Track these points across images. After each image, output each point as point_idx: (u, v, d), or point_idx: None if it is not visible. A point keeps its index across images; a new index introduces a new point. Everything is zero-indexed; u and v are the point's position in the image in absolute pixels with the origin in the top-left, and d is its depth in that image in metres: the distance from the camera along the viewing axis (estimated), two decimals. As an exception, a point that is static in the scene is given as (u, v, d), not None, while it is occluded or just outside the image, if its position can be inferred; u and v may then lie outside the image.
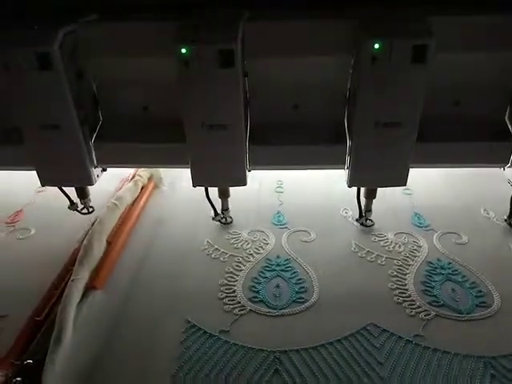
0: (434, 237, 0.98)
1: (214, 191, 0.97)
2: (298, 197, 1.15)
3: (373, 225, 1.02)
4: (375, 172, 0.86)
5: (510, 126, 0.86)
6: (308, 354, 0.70)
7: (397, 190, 1.14)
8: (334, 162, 0.88)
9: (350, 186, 0.89)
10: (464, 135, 0.87)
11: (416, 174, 1.16)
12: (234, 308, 0.80)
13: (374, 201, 0.99)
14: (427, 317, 0.77)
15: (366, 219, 1.01)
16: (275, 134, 0.88)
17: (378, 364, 0.69)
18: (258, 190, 1.18)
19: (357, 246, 0.96)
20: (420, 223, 1.03)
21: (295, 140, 0.88)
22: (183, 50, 0.72)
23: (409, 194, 1.14)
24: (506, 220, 1.00)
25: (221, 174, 0.87)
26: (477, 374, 0.67)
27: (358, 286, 0.85)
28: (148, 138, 0.88)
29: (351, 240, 0.97)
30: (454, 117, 0.88)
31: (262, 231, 1.01)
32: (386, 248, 0.95)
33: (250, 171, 0.93)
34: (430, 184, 1.18)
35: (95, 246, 0.90)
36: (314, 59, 0.82)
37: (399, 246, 0.95)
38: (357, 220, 1.02)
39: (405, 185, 0.88)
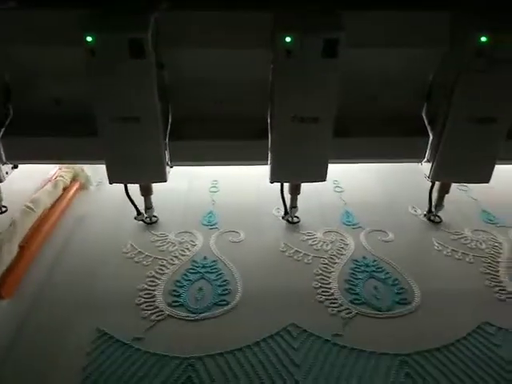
0: (362, 234, 0.98)
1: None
2: (233, 196, 1.13)
3: (298, 222, 1.01)
4: (295, 167, 0.85)
5: (426, 121, 0.87)
6: (223, 359, 0.68)
7: (329, 188, 1.15)
8: (257, 158, 0.86)
9: (271, 182, 0.88)
10: (382, 131, 0.89)
11: (347, 171, 1.20)
12: (151, 314, 0.76)
13: (306, 199, 0.98)
14: (348, 315, 0.76)
15: (292, 216, 1.00)
16: (197, 128, 0.86)
17: (294, 366, 0.67)
18: (191, 189, 1.15)
19: (285, 245, 0.94)
20: (349, 221, 1.03)
21: (217, 135, 0.86)
22: (89, 39, 0.68)
23: (340, 192, 1.14)
24: (425, 215, 1.02)
25: (137, 169, 0.83)
26: (391, 372, 0.66)
27: (283, 286, 0.83)
28: (60, 133, 0.82)
29: (280, 239, 0.96)
30: (372, 112, 0.89)
31: (190, 232, 0.98)
32: (314, 247, 0.94)
33: (171, 167, 0.90)
34: (361, 181, 1.19)
35: (4, 252, 0.83)
36: (233, 52, 0.80)
37: (327, 245, 0.94)
38: (282, 217, 1.01)
39: (324, 180, 0.88)
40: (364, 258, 0.91)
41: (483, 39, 0.74)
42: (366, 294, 0.81)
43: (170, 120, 0.84)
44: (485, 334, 0.73)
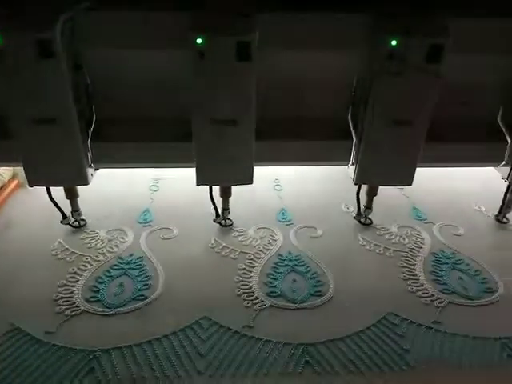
0: (292, 231, 1.00)
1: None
2: (172, 195, 1.14)
3: (231, 224, 1.02)
4: (219, 170, 0.87)
5: (351, 125, 0.89)
6: (129, 352, 0.70)
7: (269, 187, 1.17)
8: (182, 161, 0.89)
9: (197, 185, 0.90)
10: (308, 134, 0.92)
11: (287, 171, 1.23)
12: (66, 309, 0.77)
13: (244, 197, 1.00)
14: (261, 307, 0.79)
15: (225, 219, 1.01)
16: (119, 130, 0.87)
17: (199, 356, 0.69)
18: (131, 188, 1.16)
19: (216, 241, 0.96)
20: (283, 218, 1.05)
21: (140, 137, 0.88)
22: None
23: (279, 190, 1.17)
24: (354, 217, 1.04)
25: (56, 172, 0.84)
26: (292, 360, 0.69)
27: (204, 281, 0.85)
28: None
29: (212, 236, 0.98)
30: (299, 115, 0.92)
31: (122, 229, 0.99)
32: (244, 243, 0.96)
33: (97, 169, 0.91)
34: (300, 180, 1.22)
35: None
36: (150, 53, 0.82)
37: (256, 241, 0.97)
38: (214, 220, 1.00)
39: (250, 183, 0.90)
40: (289, 253, 0.93)
41: (393, 42, 0.77)
42: (284, 287, 0.83)
43: (93, 121, 0.84)
44: (389, 325, 0.76)
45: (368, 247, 0.96)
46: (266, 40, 0.76)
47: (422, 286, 0.85)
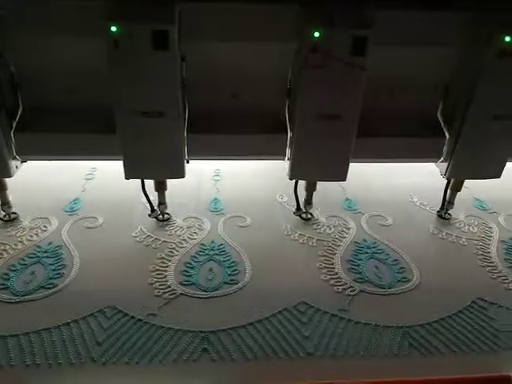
0: (220, 222, 1.00)
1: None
2: (106, 185, 1.12)
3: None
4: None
5: (287, 119, 0.88)
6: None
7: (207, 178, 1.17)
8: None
9: (127, 178, 0.89)
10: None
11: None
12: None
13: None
14: (171, 296, 0.79)
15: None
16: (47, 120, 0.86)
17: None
18: (63, 178, 1.14)
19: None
20: (215, 208, 1.05)
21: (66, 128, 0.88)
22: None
23: (217, 180, 1.17)
24: (294, 213, 1.02)
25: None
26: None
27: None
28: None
29: (138, 226, 0.97)
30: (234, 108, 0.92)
31: (46, 218, 0.98)
32: (168, 232, 0.96)
33: (24, 161, 0.91)
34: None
35: None
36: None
37: (182, 230, 0.96)
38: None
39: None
40: (212, 241, 0.93)
41: (316, 34, 0.76)
42: (200, 276, 0.83)
43: (18, 112, 0.84)
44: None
45: (292, 236, 0.96)
46: (194, 31, 0.76)
47: (336, 274, 0.85)
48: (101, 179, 1.15)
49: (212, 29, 0.81)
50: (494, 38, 0.79)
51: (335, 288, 0.82)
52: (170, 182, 0.96)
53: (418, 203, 1.09)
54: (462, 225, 1.02)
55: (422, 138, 0.94)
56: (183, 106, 0.83)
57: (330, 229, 0.99)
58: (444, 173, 0.94)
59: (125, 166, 0.87)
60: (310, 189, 0.98)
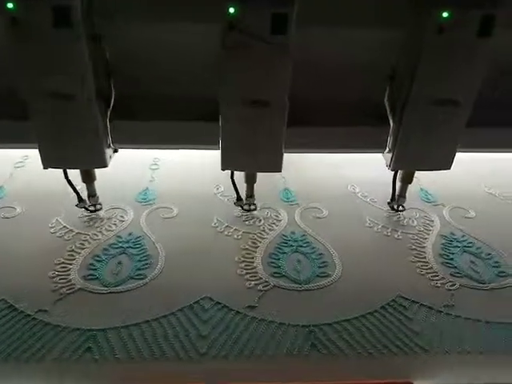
0: (145, 213, 0.95)
1: None
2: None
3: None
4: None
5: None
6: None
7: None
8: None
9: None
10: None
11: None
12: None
13: None
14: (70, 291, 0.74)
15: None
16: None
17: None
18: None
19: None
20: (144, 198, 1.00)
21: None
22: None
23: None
24: (234, 203, 0.96)
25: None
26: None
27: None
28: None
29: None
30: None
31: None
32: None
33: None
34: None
35: None
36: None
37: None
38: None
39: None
40: (131, 233, 0.88)
41: (231, 10, 0.69)
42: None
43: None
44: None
45: (219, 228, 0.90)
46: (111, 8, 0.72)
47: (254, 268, 0.80)
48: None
49: (131, 7, 0.77)
50: (432, 13, 0.72)
51: (247, 283, 0.77)
52: (102, 171, 0.90)
53: (359, 195, 1.03)
54: (401, 218, 0.96)
55: (366, 127, 0.88)
56: (103, 90, 0.78)
57: (260, 221, 0.93)
58: (389, 164, 0.88)
59: (40, 153, 0.82)
60: (250, 181, 0.92)
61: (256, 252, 0.84)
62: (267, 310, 0.71)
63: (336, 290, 0.76)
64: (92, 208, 0.93)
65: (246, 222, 0.93)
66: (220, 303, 0.72)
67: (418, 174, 1.05)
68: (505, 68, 0.83)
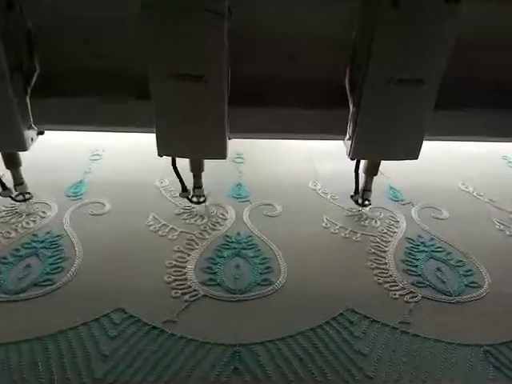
0: (70, 209, 0.83)
1: None
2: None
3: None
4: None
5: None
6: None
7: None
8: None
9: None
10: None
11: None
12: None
13: None
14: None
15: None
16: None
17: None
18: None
19: None
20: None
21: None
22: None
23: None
24: (180, 194, 0.84)
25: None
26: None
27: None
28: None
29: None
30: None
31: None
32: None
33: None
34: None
35: None
36: None
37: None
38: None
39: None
40: (50, 231, 0.77)
41: None
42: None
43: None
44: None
45: (153, 228, 0.79)
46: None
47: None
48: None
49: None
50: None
51: (173, 292, 0.65)
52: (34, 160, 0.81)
53: (320, 191, 0.92)
54: (363, 217, 0.85)
55: (326, 110, 0.76)
56: (22, 65, 0.69)
57: (203, 219, 0.82)
58: (348, 152, 0.77)
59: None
60: (195, 169, 0.80)
61: (190, 255, 0.73)
62: (189, 326, 0.60)
63: (276, 301, 0.65)
64: (20, 197, 0.81)
65: (187, 221, 0.81)
66: (134, 316, 0.61)
67: (387, 169, 0.95)
68: (478, 43, 0.72)
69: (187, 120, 0.71)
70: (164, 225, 0.80)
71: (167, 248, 0.74)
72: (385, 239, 0.79)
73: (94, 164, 0.98)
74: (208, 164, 0.80)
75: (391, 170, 0.97)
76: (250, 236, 0.78)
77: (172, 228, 0.79)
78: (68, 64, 0.75)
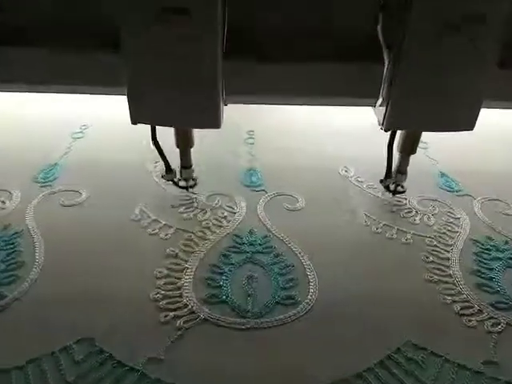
0: (39, 197, 0.65)
1: None
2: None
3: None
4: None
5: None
6: None
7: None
8: None
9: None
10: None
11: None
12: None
13: None
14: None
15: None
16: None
17: None
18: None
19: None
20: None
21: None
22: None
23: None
24: (162, 176, 0.67)
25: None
26: None
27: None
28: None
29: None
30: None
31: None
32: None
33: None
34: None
35: None
36: None
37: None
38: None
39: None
40: (6, 226, 0.59)
41: None
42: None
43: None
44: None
45: (142, 223, 0.61)
46: None
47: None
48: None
49: None
50: None
51: (162, 315, 0.47)
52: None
53: (352, 179, 0.73)
54: (412, 212, 0.66)
55: (352, 64, 0.59)
56: None
57: (205, 213, 0.64)
58: (381, 121, 0.58)
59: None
60: (183, 143, 0.62)
61: (188, 261, 0.55)
62: (183, 366, 0.42)
63: (302, 329, 0.47)
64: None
65: (184, 215, 0.63)
66: (105, 351, 0.43)
67: (433, 151, 0.76)
68: None
69: (168, 75, 0.53)
70: (155, 220, 0.62)
71: (157, 251, 0.56)
72: (445, 241, 0.60)
73: (75, 143, 0.80)
74: (208, 142, 0.61)
75: (436, 150, 0.77)
76: (267, 236, 0.59)
77: (165, 224, 0.61)
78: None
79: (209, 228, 0.60)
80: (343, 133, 0.85)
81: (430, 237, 0.60)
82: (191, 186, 0.67)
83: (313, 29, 0.58)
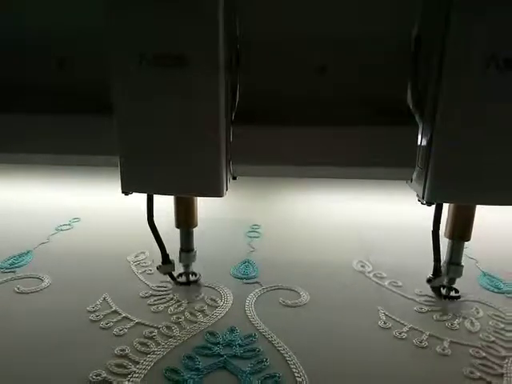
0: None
1: None
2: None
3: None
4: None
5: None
6: None
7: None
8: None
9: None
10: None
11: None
12: None
13: None
14: None
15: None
16: None
17: None
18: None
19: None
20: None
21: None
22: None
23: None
24: (158, 267, 0.55)
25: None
26: None
27: None
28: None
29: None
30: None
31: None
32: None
33: None
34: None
35: None
36: None
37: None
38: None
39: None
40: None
41: None
42: None
43: None
44: None
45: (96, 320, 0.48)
46: None
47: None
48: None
49: None
50: None
51: None
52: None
53: (370, 274, 0.59)
54: (448, 315, 0.50)
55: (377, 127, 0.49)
56: None
57: (180, 305, 0.51)
58: (421, 193, 0.47)
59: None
60: (184, 221, 0.53)
61: (138, 364, 0.41)
62: None
63: None
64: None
65: (152, 307, 0.50)
66: None
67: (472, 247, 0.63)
68: None
69: (163, 136, 0.46)
70: (115, 312, 0.49)
71: (103, 350, 0.43)
72: (496, 353, 0.43)
73: (58, 235, 0.72)
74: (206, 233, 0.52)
75: (478, 244, 0.63)
76: (251, 336, 0.45)
77: (125, 317, 0.48)
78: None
79: (179, 323, 0.47)
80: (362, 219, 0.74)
81: (475, 346, 0.44)
82: (195, 281, 0.56)
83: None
